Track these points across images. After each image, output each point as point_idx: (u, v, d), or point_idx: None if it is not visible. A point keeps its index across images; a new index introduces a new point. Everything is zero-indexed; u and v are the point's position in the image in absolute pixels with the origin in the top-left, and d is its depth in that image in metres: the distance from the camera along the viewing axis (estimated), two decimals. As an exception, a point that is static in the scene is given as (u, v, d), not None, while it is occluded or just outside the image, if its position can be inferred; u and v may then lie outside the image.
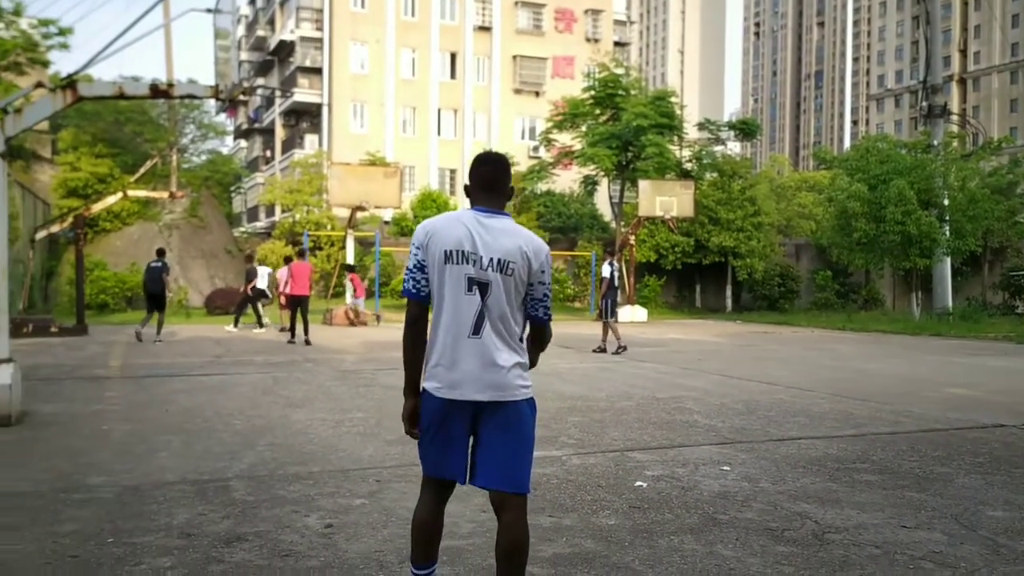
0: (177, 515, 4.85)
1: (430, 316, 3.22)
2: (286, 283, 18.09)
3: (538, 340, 3.34)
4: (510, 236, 3.13)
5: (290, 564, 4.05)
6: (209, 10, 8.76)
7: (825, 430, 7.79)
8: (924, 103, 26.61)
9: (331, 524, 4.72)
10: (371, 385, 10.77)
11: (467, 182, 3.30)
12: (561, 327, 23.53)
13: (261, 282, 20.69)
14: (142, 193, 23.72)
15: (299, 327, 16.89)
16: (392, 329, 21.43)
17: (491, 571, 3.94)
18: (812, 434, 7.59)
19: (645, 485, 5.69)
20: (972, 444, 7.17)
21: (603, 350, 15.74)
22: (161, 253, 18.21)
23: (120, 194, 21.61)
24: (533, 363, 3.34)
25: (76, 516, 4.83)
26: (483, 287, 3.10)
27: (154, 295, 17.69)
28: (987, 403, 9.62)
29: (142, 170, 23.06)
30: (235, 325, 20.58)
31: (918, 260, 24.41)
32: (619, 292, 16.67)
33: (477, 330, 3.10)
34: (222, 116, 63.87)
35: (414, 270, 3.19)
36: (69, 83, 8.03)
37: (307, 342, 16.75)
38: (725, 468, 6.21)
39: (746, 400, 9.62)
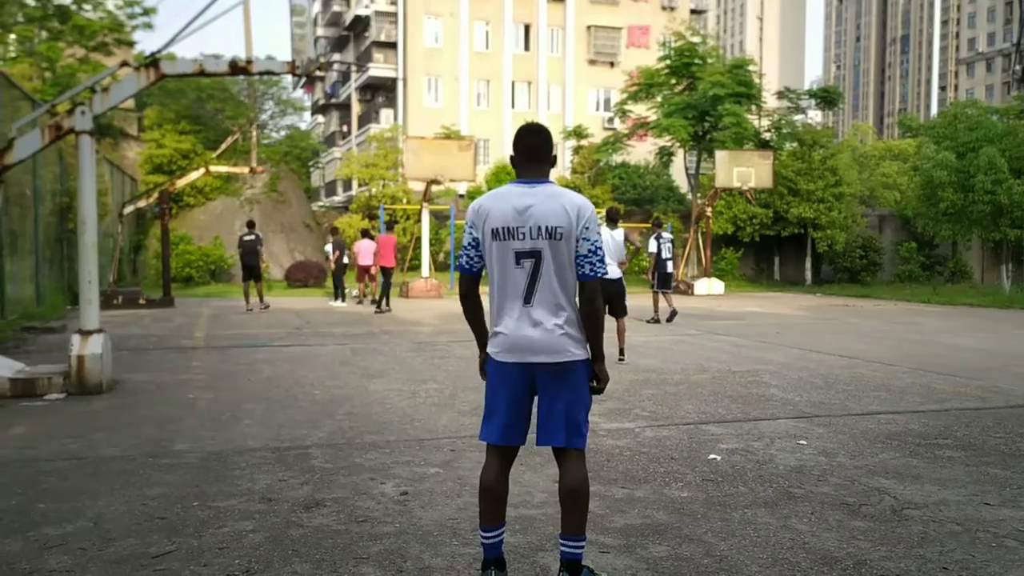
0: (259, 480, 5.02)
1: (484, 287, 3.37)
2: (374, 255, 19.04)
3: (586, 303, 3.31)
4: (554, 200, 3.26)
5: (367, 529, 4.16)
6: (287, -12, 8.88)
7: (906, 405, 7.60)
8: (1018, 66, 25.42)
9: (407, 492, 4.82)
10: (446, 357, 10.90)
11: (512, 153, 3.42)
12: (640, 300, 23.40)
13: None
14: (223, 169, 24.30)
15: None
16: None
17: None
18: (893, 409, 7.41)
19: (719, 458, 5.65)
20: (1063, 421, 6.91)
21: (673, 315, 15.86)
22: (252, 225, 19.00)
23: (203, 170, 22.17)
24: (595, 339, 3.37)
25: (164, 480, 5.04)
26: (535, 257, 3.26)
27: (251, 266, 18.74)
28: (1081, 379, 9.25)
29: (223, 146, 23.59)
30: (340, 299, 20.81)
31: (1009, 231, 23.46)
32: (669, 264, 16.40)
33: (528, 299, 3.28)
34: (300, 92, 65.06)
35: (468, 247, 3.41)
36: (152, 62, 8.26)
37: (388, 310, 18.23)
38: (801, 442, 6.12)
39: (825, 374, 9.44)
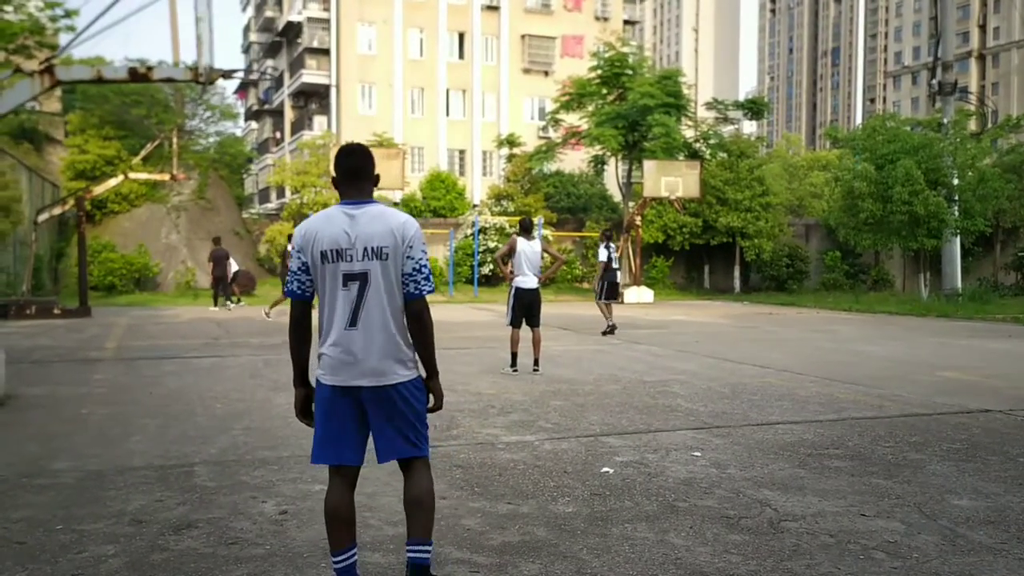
0: (133, 501, 4.86)
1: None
2: None
3: (413, 321, 3.34)
4: (380, 221, 3.28)
5: (235, 552, 4.05)
6: (191, -9, 8.69)
7: (806, 414, 7.72)
8: (934, 80, 26.22)
9: (286, 511, 4.72)
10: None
11: (333, 175, 3.41)
12: (565, 308, 23.54)
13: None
14: (143, 176, 23.79)
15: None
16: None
17: (441, 558, 3.94)
18: (792, 419, 7.52)
19: (612, 471, 5.66)
20: (952, 430, 7.08)
21: (612, 329, 15.58)
22: (217, 242, 19.96)
23: (121, 177, 21.68)
24: (427, 357, 3.40)
25: (32, 502, 4.85)
26: (361, 279, 3.26)
27: (221, 278, 20.29)
28: (978, 387, 9.51)
29: (143, 152, 23.10)
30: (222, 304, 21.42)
31: (926, 241, 24.12)
32: (618, 274, 16.45)
33: (354, 321, 3.27)
34: (233, 98, 64.12)
35: (298, 272, 3.34)
36: (47, 68, 8.01)
37: None
38: (696, 454, 6.16)
39: (734, 383, 9.55)
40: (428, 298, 3.37)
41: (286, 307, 19.33)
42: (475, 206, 36.91)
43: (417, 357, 3.41)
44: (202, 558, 3.96)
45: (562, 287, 31.69)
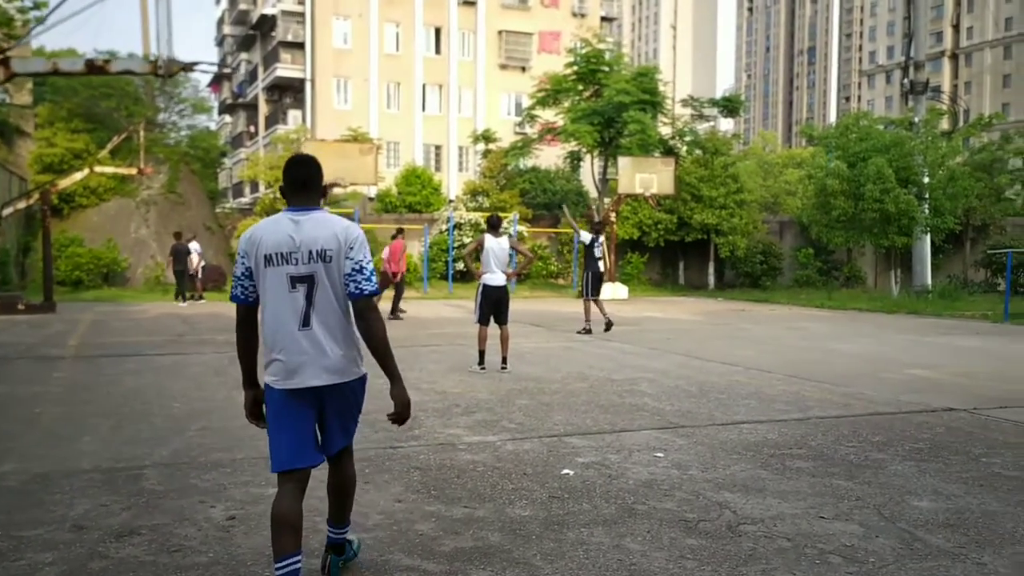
0: (77, 506, 4.72)
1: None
2: (397, 260, 18.95)
3: (359, 320, 3.42)
4: (325, 227, 3.38)
5: (176, 560, 3.92)
6: (151, -17, 8.51)
7: (772, 414, 7.68)
8: (906, 80, 26.38)
9: (234, 516, 4.60)
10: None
11: (281, 184, 3.53)
12: (541, 304, 23.47)
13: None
14: (109, 169, 23.43)
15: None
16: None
17: (389, 565, 3.85)
18: (757, 418, 7.48)
19: (572, 473, 5.58)
20: (916, 429, 7.07)
21: (609, 325, 14.89)
22: (178, 236, 20.21)
23: (87, 170, 21.33)
24: (384, 359, 3.43)
25: (-29, 507, 4.70)
26: (308, 282, 3.35)
27: (181, 273, 20.52)
28: (944, 385, 9.53)
29: (110, 145, 22.75)
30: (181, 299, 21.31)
31: (897, 238, 24.29)
32: (602, 264, 15.71)
33: (306, 322, 3.36)
34: (207, 91, 63.59)
35: (242, 277, 3.44)
36: (2, 60, 7.81)
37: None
38: (658, 455, 6.10)
39: (702, 382, 9.51)
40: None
41: None
42: (450, 202, 36.74)
43: (361, 356, 3.49)
44: (142, 566, 3.83)
45: (537, 283, 31.64)
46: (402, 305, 19.01)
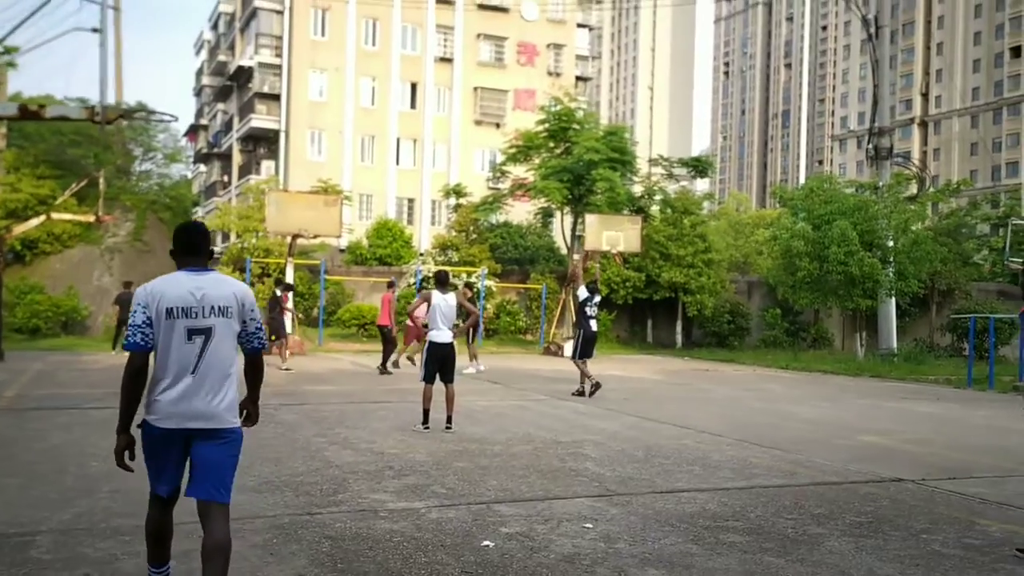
0: (-54, 578, 4.38)
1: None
2: (387, 313, 18.35)
3: (252, 369, 4.06)
4: (222, 286, 3.88)
5: (35, 642, 3.60)
6: (95, 29, 8.38)
7: (714, 481, 7.44)
8: (870, 145, 26.72)
9: (116, 590, 4.28)
10: (266, 423, 10.25)
11: (172, 247, 3.96)
12: (505, 360, 23.17)
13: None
14: (67, 216, 23.08)
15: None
16: (328, 360, 20.91)
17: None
18: (699, 486, 7.24)
19: (492, 545, 5.30)
20: (860, 500, 6.85)
21: (583, 392, 14.18)
22: (127, 285, 18.88)
23: (43, 217, 21.00)
24: (254, 395, 4.13)
25: None
26: (205, 333, 3.77)
27: (124, 322, 18.13)
28: (896, 453, 9.34)
29: (68, 192, 22.48)
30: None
31: (861, 301, 24.33)
32: (595, 323, 14.73)
33: (195, 369, 3.75)
34: (183, 140, 63.63)
35: (142, 326, 3.76)
36: (-71, 100, 7.58)
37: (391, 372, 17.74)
38: (588, 525, 5.83)
39: (649, 445, 9.26)
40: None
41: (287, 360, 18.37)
42: (421, 255, 36.60)
43: (237, 408, 3.93)
44: (-7, 650, 3.51)
45: (505, 339, 31.37)
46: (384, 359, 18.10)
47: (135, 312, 3.74)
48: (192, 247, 3.90)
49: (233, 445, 3.83)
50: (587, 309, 14.48)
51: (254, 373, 4.06)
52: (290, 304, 20.18)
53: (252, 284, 29.41)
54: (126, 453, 3.82)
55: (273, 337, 17.64)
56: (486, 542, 5.35)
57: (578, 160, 29.55)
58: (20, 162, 31.02)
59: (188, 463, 3.81)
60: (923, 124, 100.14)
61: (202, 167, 61.33)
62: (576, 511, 6.23)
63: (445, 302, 10.05)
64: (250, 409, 4.11)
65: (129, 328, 3.76)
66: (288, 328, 19.61)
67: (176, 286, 3.76)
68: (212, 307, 3.75)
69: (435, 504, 6.34)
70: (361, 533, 5.50)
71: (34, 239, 28.77)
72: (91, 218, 22.35)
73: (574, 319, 14.48)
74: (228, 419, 3.80)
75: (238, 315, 3.84)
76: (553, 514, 6.13)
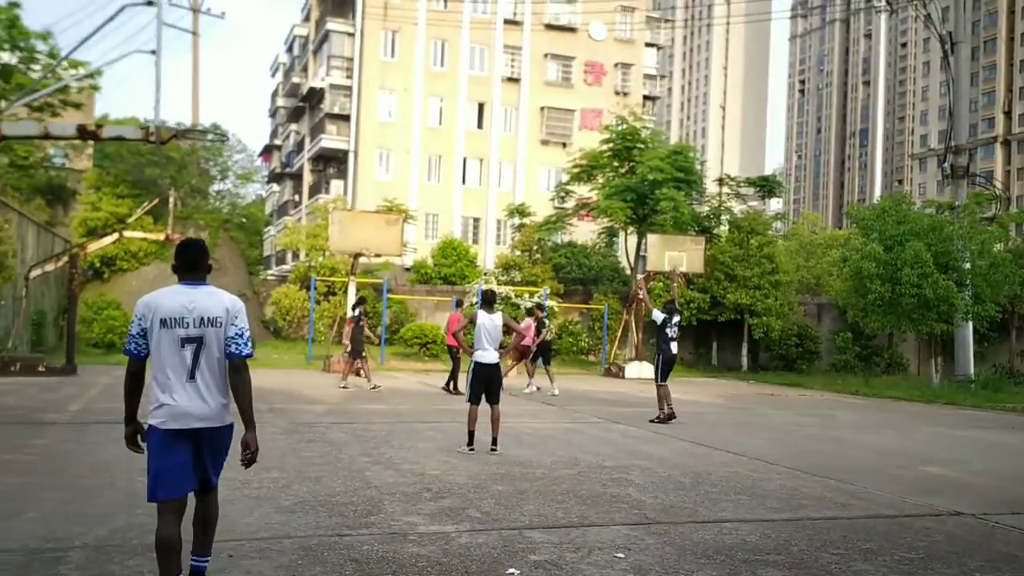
0: (-29, 591, 4.46)
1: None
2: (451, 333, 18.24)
3: (235, 375, 4.18)
4: (213, 297, 4.20)
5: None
6: (152, 51, 8.59)
7: (760, 512, 7.19)
8: (946, 164, 25.88)
9: (132, 609, 4.29)
10: (315, 440, 10.34)
11: (174, 262, 4.26)
12: (565, 381, 22.96)
13: None
14: (139, 234, 23.82)
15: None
16: (387, 379, 21.03)
17: None
18: (743, 516, 6.99)
19: (518, 572, 5.18)
20: (913, 536, 6.53)
21: (662, 419, 13.57)
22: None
23: (116, 235, 21.69)
24: (246, 410, 4.22)
25: None
26: (197, 342, 4.10)
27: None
28: (959, 485, 8.92)
29: (140, 211, 23.20)
30: None
31: (936, 325, 23.48)
32: (675, 346, 14.13)
33: (192, 376, 4.10)
34: (258, 160, 65.27)
35: (137, 336, 4.13)
36: (-8, 123, 7.86)
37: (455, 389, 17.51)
38: (619, 555, 5.66)
39: (698, 472, 9.02)
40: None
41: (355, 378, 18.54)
42: (484, 275, 36.72)
43: (230, 407, 4.21)
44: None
45: (567, 359, 31.18)
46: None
47: (132, 323, 4.14)
48: (192, 263, 4.24)
49: (227, 438, 4.27)
50: (667, 331, 13.93)
51: (237, 383, 4.20)
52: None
53: (318, 302, 29.88)
54: (137, 437, 4.25)
55: (351, 354, 17.87)
56: (511, 570, 5.23)
57: (642, 179, 29.37)
58: (101, 181, 32.28)
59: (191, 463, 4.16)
60: (1006, 143, 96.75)
61: (275, 187, 62.71)
62: (610, 539, 6.07)
63: (491, 321, 10.00)
64: (250, 441, 4.19)
65: (127, 337, 4.16)
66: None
67: (172, 298, 4.12)
68: (202, 318, 4.09)
69: (467, 528, 6.25)
70: (387, 556, 5.44)
71: (112, 256, 29.82)
72: (162, 236, 22.97)
73: (636, 338, 13.94)
74: (226, 418, 4.20)
75: (225, 323, 4.14)
76: (586, 542, 5.98)
